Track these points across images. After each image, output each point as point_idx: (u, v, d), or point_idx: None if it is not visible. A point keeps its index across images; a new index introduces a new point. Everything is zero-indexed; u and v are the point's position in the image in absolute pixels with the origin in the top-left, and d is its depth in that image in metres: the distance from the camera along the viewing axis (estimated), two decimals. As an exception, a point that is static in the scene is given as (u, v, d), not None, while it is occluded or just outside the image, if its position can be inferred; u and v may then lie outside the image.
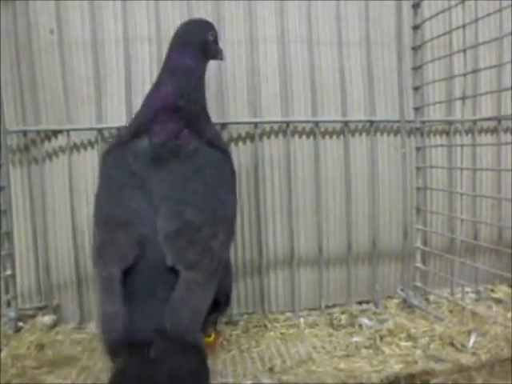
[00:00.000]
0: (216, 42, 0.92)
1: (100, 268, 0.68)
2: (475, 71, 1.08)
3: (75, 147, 1.07)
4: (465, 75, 1.02)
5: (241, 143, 1.11)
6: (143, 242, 0.68)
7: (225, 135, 1.08)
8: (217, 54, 0.93)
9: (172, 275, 0.66)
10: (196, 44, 0.87)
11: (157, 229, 0.69)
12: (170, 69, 0.85)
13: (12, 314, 1.01)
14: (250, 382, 0.78)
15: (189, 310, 0.63)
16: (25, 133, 1.06)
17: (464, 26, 1.01)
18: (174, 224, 0.70)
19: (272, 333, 1.01)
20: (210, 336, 0.84)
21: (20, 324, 1.01)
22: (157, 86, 0.85)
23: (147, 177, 0.74)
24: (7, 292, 1.02)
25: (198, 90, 0.84)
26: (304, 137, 1.13)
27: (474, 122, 1.18)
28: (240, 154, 1.11)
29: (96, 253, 0.71)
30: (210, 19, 1.07)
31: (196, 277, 0.67)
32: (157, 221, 0.70)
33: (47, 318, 1.03)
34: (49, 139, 1.07)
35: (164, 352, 0.58)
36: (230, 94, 1.10)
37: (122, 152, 0.79)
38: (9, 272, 1.02)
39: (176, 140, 0.79)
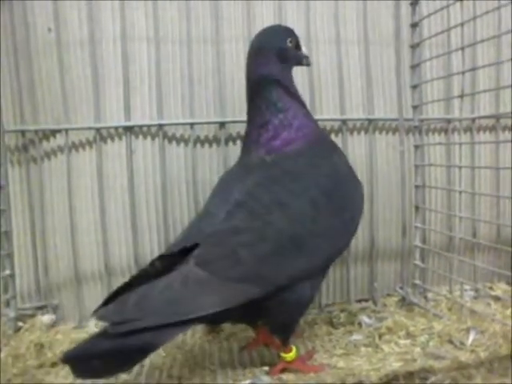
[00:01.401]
0: (298, 47, 0.90)
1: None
2: (473, 69, 1.08)
3: (73, 146, 1.07)
4: (463, 73, 1.02)
5: (239, 142, 1.11)
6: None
7: (223, 134, 1.08)
8: (300, 60, 0.91)
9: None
10: (273, 52, 0.85)
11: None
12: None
13: (11, 313, 1.01)
14: (248, 381, 0.78)
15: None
16: (23, 132, 1.06)
17: (462, 24, 1.01)
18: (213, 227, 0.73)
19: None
20: (289, 351, 0.79)
21: (19, 324, 1.01)
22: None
23: (233, 185, 0.80)
24: (6, 292, 1.02)
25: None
26: (303, 135, 1.13)
27: (473, 120, 1.18)
28: (239, 153, 1.11)
29: None
30: (207, 18, 1.08)
31: (201, 274, 0.67)
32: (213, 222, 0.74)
33: (46, 318, 1.04)
34: (47, 139, 1.07)
35: None
36: (229, 92, 1.10)
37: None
38: (8, 272, 1.02)
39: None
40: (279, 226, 0.73)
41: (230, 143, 1.11)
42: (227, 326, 1.04)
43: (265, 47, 0.86)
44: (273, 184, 0.77)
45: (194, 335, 1.00)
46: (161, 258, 0.73)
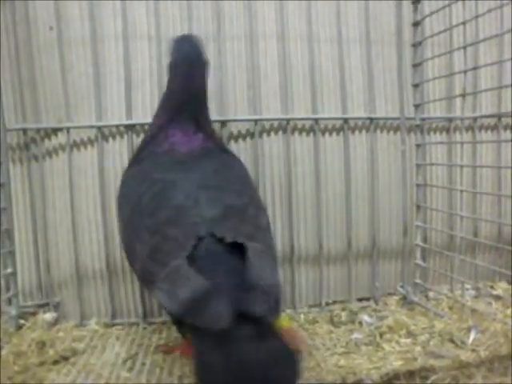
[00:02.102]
0: None
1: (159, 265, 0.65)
2: (475, 68, 1.08)
3: (75, 145, 1.07)
4: (465, 72, 1.02)
5: (241, 140, 1.11)
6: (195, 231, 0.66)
7: (224, 133, 1.08)
8: None
9: (233, 255, 0.64)
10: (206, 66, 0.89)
11: (203, 216, 0.68)
12: None
13: (13, 311, 1.01)
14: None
15: (268, 286, 0.60)
16: (25, 131, 1.06)
17: (464, 23, 1.00)
18: (218, 209, 0.70)
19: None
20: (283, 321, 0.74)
21: (21, 321, 1.01)
22: None
23: (179, 177, 0.76)
24: (8, 290, 1.02)
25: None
26: (304, 134, 1.13)
27: (474, 119, 1.18)
28: (240, 152, 1.11)
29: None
30: (209, 16, 1.08)
31: (260, 247, 0.66)
32: (200, 209, 0.69)
33: (48, 316, 1.04)
34: (49, 137, 1.07)
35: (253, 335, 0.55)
36: (230, 91, 1.10)
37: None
38: (10, 270, 1.02)
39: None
40: (257, 197, 0.82)
41: (232, 141, 1.11)
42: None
43: (203, 59, 0.86)
44: (225, 169, 0.82)
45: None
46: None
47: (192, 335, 0.60)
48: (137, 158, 0.87)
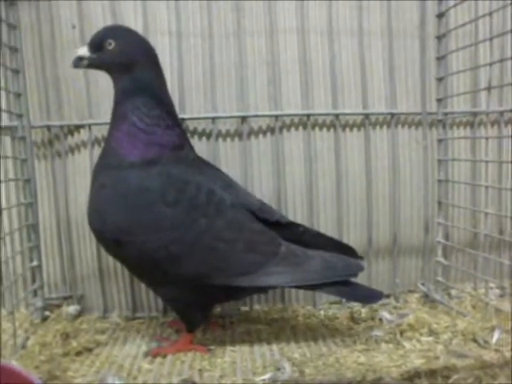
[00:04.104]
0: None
1: None
2: (502, 60, 1.05)
3: (97, 141, 1.09)
4: (490, 65, 0.99)
5: (261, 136, 1.11)
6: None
7: (245, 128, 1.08)
8: None
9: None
10: None
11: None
12: None
13: (39, 303, 1.04)
14: (269, 374, 0.79)
15: None
16: (48, 128, 1.08)
17: (491, 14, 0.97)
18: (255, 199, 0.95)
19: (292, 326, 1.02)
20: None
21: (46, 313, 1.04)
22: None
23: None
24: (34, 282, 1.06)
25: None
26: (324, 129, 1.12)
27: (501, 113, 1.15)
28: (260, 147, 1.11)
29: None
30: (229, 11, 1.08)
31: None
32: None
33: (72, 308, 1.06)
34: (71, 134, 1.09)
35: None
36: (250, 86, 1.09)
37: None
38: (35, 263, 1.05)
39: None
40: None
41: (252, 137, 1.11)
42: (247, 319, 1.05)
43: None
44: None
45: (212, 331, 1.01)
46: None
47: None
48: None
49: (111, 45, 0.86)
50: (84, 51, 0.88)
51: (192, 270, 0.83)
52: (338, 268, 0.88)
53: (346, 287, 0.89)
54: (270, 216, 0.91)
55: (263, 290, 0.96)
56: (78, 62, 0.89)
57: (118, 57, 0.86)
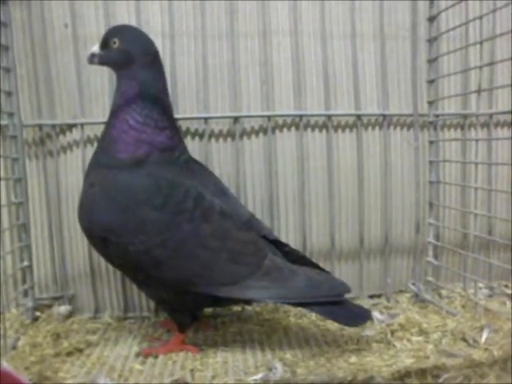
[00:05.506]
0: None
1: None
2: (492, 64, 1.06)
3: (89, 141, 1.08)
4: (480, 68, 1.01)
5: (253, 136, 1.11)
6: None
7: (238, 128, 1.09)
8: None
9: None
10: None
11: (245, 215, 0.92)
12: None
13: (30, 303, 1.03)
14: (261, 374, 0.79)
15: None
16: (40, 127, 1.07)
17: (481, 17, 0.99)
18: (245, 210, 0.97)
19: (284, 326, 1.02)
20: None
21: (37, 313, 1.03)
22: None
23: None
24: (24, 282, 1.05)
25: None
26: (317, 130, 1.13)
27: (490, 115, 1.16)
28: (253, 148, 1.11)
29: None
30: (222, 13, 1.08)
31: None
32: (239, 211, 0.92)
33: (63, 308, 1.06)
34: (63, 133, 1.09)
35: None
36: (243, 87, 1.10)
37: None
38: (26, 263, 1.04)
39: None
40: None
41: (245, 137, 1.11)
42: (239, 319, 1.06)
43: None
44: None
45: (204, 331, 1.01)
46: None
47: None
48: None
49: (116, 43, 0.88)
50: (95, 48, 0.91)
51: (174, 276, 0.83)
52: (322, 288, 0.85)
53: (332, 306, 0.85)
54: (257, 230, 0.90)
55: (247, 301, 0.96)
56: (91, 59, 0.92)
57: (118, 55, 0.88)
